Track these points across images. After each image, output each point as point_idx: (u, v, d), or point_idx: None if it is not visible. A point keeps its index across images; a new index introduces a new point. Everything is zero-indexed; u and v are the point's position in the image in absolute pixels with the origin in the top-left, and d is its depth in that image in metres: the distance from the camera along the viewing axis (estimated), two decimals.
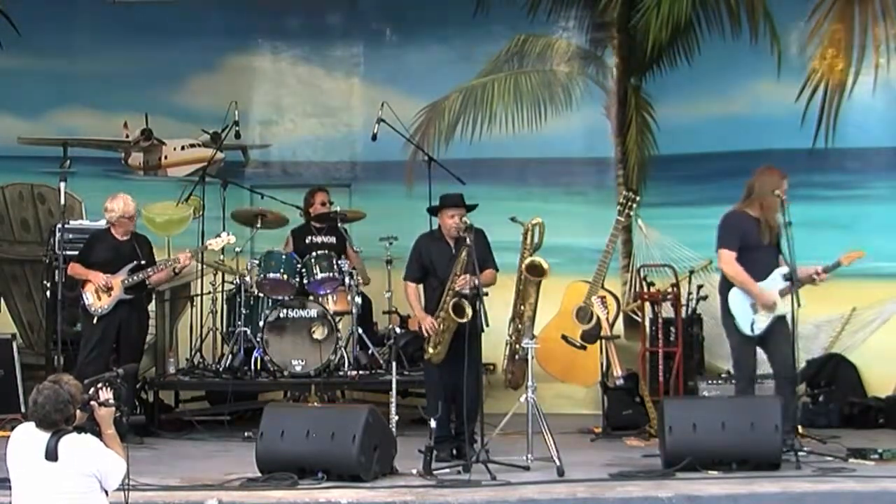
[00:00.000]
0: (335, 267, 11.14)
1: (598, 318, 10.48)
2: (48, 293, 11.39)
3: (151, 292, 10.92)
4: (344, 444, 8.36)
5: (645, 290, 11.30)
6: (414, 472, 8.60)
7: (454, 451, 9.26)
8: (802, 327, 9.95)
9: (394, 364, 9.59)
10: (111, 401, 6.28)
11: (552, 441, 8.91)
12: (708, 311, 11.16)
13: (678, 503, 7.87)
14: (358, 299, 11.24)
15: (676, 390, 10.77)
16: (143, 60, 12.85)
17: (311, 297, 11.15)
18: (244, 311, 11.23)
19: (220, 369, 11.22)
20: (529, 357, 9.36)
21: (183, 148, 13.30)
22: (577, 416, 11.28)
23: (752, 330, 9.16)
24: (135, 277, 10.37)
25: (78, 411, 6.12)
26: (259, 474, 8.43)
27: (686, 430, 8.64)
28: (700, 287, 11.38)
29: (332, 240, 11.59)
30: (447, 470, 8.64)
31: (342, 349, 11.04)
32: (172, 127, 13.21)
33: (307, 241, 11.52)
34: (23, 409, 11.01)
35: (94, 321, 10.36)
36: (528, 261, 10.14)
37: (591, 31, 12.82)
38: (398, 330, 10.76)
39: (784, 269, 9.18)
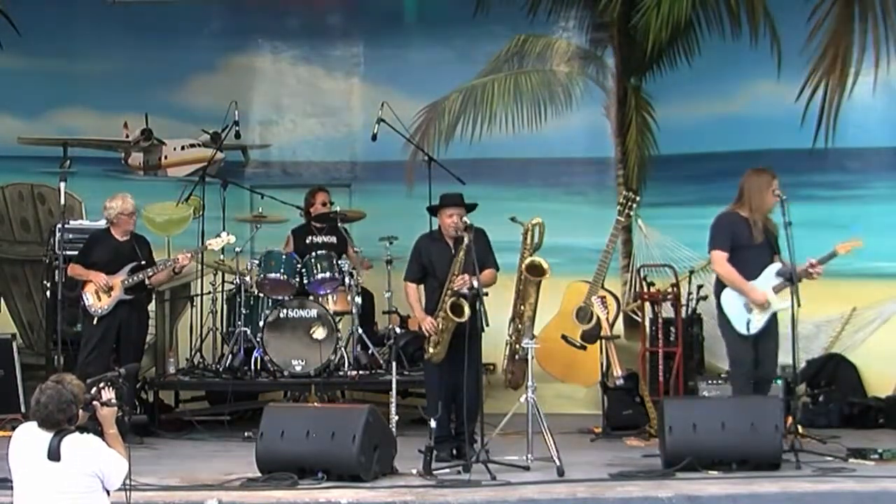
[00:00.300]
0: (335, 267, 11.15)
1: (598, 318, 10.48)
2: (48, 293, 11.39)
3: (151, 292, 10.92)
4: (344, 444, 8.36)
5: (645, 290, 11.29)
6: (414, 472, 8.61)
7: (454, 451, 9.26)
8: (802, 327, 9.97)
9: (394, 364, 9.59)
10: (113, 401, 6.28)
11: (552, 441, 8.91)
12: (708, 311, 11.15)
13: (678, 503, 7.87)
14: (358, 299, 11.24)
15: (676, 390, 10.77)
16: (143, 60, 12.85)
17: (311, 297, 11.15)
18: (244, 311, 11.23)
19: (220, 369, 11.22)
20: (529, 357, 9.36)
21: (183, 148, 13.30)
22: (577, 416, 11.28)
23: (749, 329, 9.20)
24: (135, 278, 10.38)
25: (80, 411, 6.12)
26: (259, 474, 8.44)
27: (686, 430, 8.64)
28: (700, 287, 11.38)
29: (333, 240, 11.59)
30: (447, 470, 8.65)
31: (342, 349, 11.05)
32: (172, 127, 13.21)
33: (307, 241, 11.52)
34: (23, 409, 11.02)
35: (95, 321, 10.36)
36: (528, 261, 10.14)
37: (591, 31, 12.82)
38: (398, 330, 10.77)
39: (777, 266, 9.23)
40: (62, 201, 10.64)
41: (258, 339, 10.97)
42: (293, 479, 8.27)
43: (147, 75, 12.85)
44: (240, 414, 11.47)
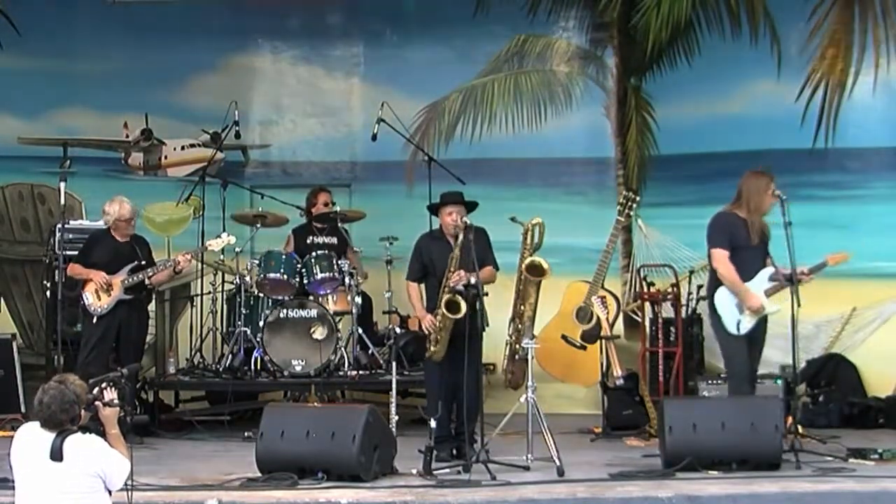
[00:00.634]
0: (335, 267, 11.15)
1: (598, 318, 10.48)
2: (48, 293, 11.39)
3: (151, 292, 10.92)
4: (344, 444, 8.36)
5: (645, 290, 11.29)
6: (414, 472, 8.61)
7: (454, 451, 9.26)
8: (802, 327, 9.97)
9: (394, 364, 9.59)
10: (116, 401, 6.28)
11: (552, 441, 8.91)
12: (708, 311, 11.16)
13: (678, 503, 7.87)
14: (358, 299, 11.24)
15: (676, 390, 10.76)
16: (143, 60, 12.84)
17: (311, 297, 11.15)
18: (244, 311, 11.23)
19: (220, 369, 11.22)
20: (529, 357, 9.37)
21: (183, 148, 13.30)
22: (577, 416, 11.28)
23: (738, 329, 9.24)
24: (134, 278, 10.38)
25: (82, 411, 6.13)
26: (259, 474, 8.44)
27: (686, 430, 8.65)
28: (700, 287, 11.36)
29: (333, 240, 11.59)
30: (447, 470, 8.65)
31: (342, 349, 11.04)
32: (172, 127, 13.21)
33: (308, 241, 11.52)
34: (23, 409, 11.02)
35: (94, 321, 10.36)
36: (528, 261, 10.14)
37: (591, 31, 12.82)
38: (398, 330, 10.77)
39: (770, 270, 9.25)
40: (62, 201, 10.64)
41: (258, 339, 10.97)
42: (293, 479, 8.27)
43: (147, 75, 12.85)
44: (240, 414, 11.46)
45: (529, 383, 9.23)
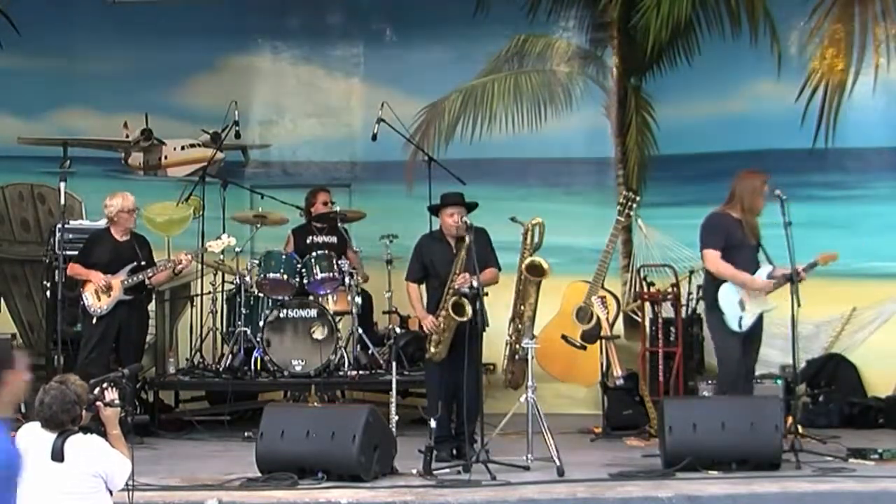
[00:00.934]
0: (335, 267, 11.14)
1: (598, 318, 10.48)
2: (48, 293, 11.38)
3: (151, 292, 10.92)
4: (344, 444, 8.36)
5: (645, 290, 11.29)
6: (414, 472, 8.61)
7: (454, 452, 9.26)
8: (802, 327, 9.98)
9: (394, 364, 9.59)
10: (117, 401, 6.28)
11: (552, 441, 8.91)
12: (705, 310, 11.16)
13: (678, 503, 7.87)
14: (358, 299, 11.23)
15: (676, 390, 10.76)
16: (143, 60, 12.84)
17: (311, 297, 11.15)
18: (244, 311, 11.22)
19: (220, 369, 11.22)
20: (529, 357, 9.37)
21: (183, 148, 13.29)
22: (577, 416, 11.27)
23: (740, 326, 9.29)
24: (134, 278, 10.38)
25: (83, 412, 6.12)
26: (259, 474, 8.44)
27: (686, 430, 8.65)
28: (700, 287, 11.36)
29: (333, 240, 11.59)
30: (447, 470, 8.65)
31: (342, 349, 11.04)
32: (172, 127, 13.21)
33: (308, 240, 11.51)
34: (23, 409, 10.95)
35: (94, 321, 10.36)
36: (528, 261, 10.14)
37: (591, 31, 12.81)
38: (398, 330, 10.76)
39: (769, 268, 9.29)
40: (62, 201, 10.64)
41: (258, 339, 10.97)
42: (293, 479, 8.28)
43: (147, 75, 12.85)
44: (240, 414, 11.46)
45: (529, 383, 9.23)
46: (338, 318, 11.16)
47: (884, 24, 11.76)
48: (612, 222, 10.51)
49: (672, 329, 11.06)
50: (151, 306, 11.03)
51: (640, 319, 11.35)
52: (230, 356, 11.25)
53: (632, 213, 10.51)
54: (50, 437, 6.01)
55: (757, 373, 10.06)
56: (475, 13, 12.75)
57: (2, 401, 5.18)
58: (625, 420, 10.75)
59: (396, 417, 9.34)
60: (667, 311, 11.09)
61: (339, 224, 11.64)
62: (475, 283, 9.05)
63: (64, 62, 12.87)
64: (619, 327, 11.20)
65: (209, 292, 11.69)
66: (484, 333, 9.17)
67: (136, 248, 10.50)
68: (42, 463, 5.99)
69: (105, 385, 6.31)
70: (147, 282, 10.50)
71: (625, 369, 10.66)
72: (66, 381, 6.10)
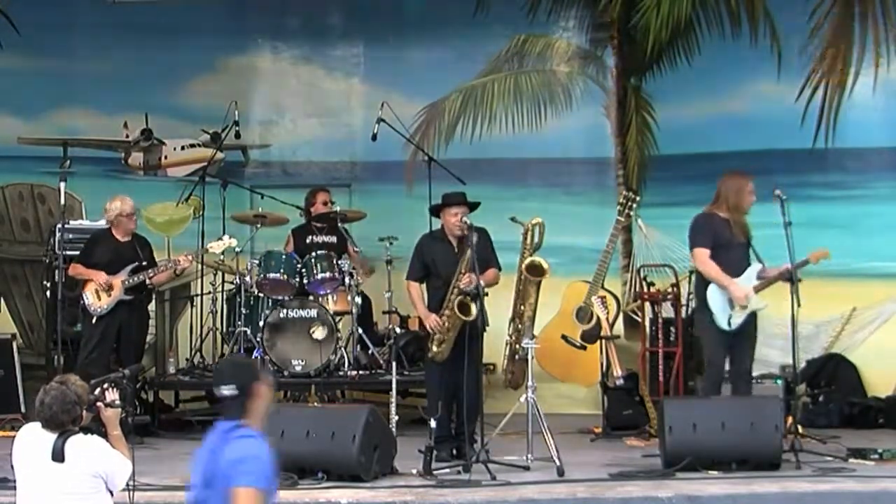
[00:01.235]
0: (335, 267, 11.14)
1: (598, 318, 10.49)
2: (48, 293, 11.38)
3: (152, 293, 10.92)
4: (344, 444, 8.37)
5: (645, 290, 11.29)
6: (414, 472, 8.61)
7: (454, 451, 9.26)
8: (802, 327, 9.99)
9: (394, 364, 9.60)
10: (117, 401, 6.28)
11: (552, 441, 8.91)
12: (695, 309, 11.17)
13: (678, 503, 7.87)
14: (358, 299, 11.23)
15: (676, 390, 10.76)
16: (143, 60, 12.84)
17: (311, 297, 11.15)
18: (244, 311, 11.22)
19: None
20: (529, 357, 9.37)
21: (183, 148, 13.29)
22: (577, 416, 11.27)
23: (730, 325, 9.34)
24: (135, 278, 10.38)
25: (84, 412, 6.12)
26: None
27: (686, 430, 8.65)
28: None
29: (333, 240, 11.58)
30: (447, 470, 8.65)
31: (342, 349, 11.04)
32: (172, 127, 13.21)
33: (308, 240, 11.51)
34: (23, 409, 11.01)
35: (94, 321, 10.37)
36: (528, 261, 10.14)
37: (591, 31, 12.81)
38: (398, 330, 10.76)
39: (757, 267, 9.34)
40: (62, 201, 10.63)
41: (258, 339, 10.97)
42: (293, 479, 8.27)
43: (147, 75, 12.84)
44: None
45: (529, 383, 9.23)
46: (338, 318, 11.16)
47: (884, 24, 11.75)
48: (612, 222, 10.51)
49: (672, 329, 11.06)
50: (151, 306, 11.03)
51: (640, 319, 11.35)
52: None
53: (632, 213, 10.52)
54: (50, 437, 6.01)
55: (757, 373, 10.08)
56: (475, 13, 12.75)
57: (253, 413, 5.25)
58: (625, 420, 10.75)
59: (396, 417, 9.34)
60: (667, 311, 11.09)
61: (339, 224, 11.63)
62: (481, 283, 9.06)
63: (64, 62, 12.87)
64: (619, 327, 11.20)
65: (209, 292, 11.68)
66: (484, 333, 9.17)
67: (137, 248, 10.51)
68: (42, 463, 5.98)
69: (106, 385, 6.31)
70: (148, 282, 10.50)
71: (625, 369, 10.66)
72: (66, 382, 6.10)
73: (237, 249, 11.37)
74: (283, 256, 11.20)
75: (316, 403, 10.58)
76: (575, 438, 10.42)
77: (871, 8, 11.79)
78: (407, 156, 12.81)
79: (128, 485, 6.21)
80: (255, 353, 11.02)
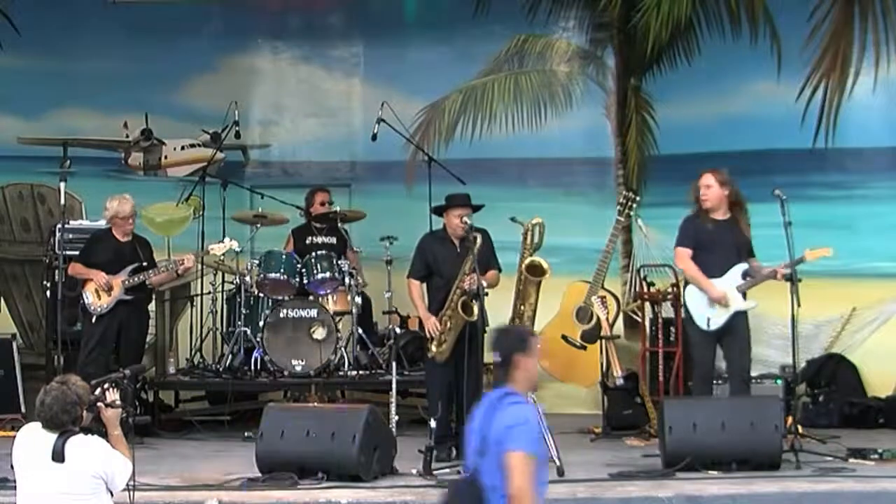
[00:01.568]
0: (335, 267, 11.14)
1: (598, 318, 10.49)
2: (48, 293, 11.38)
3: (152, 293, 10.92)
4: (344, 444, 8.37)
5: (645, 290, 11.29)
6: (414, 472, 8.61)
7: (453, 451, 9.25)
8: (802, 327, 10.00)
9: (394, 364, 9.59)
10: (118, 402, 6.28)
11: (552, 441, 8.90)
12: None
13: (678, 503, 7.87)
14: (358, 299, 11.23)
15: (676, 390, 10.75)
16: (143, 60, 12.84)
17: (311, 297, 11.15)
18: (244, 311, 11.22)
19: (220, 369, 11.22)
20: None
21: (183, 148, 13.30)
22: (577, 416, 11.27)
23: (709, 325, 9.34)
24: (135, 279, 10.38)
25: (84, 412, 6.12)
26: (259, 474, 8.44)
27: (686, 430, 8.65)
28: None
29: (333, 240, 11.58)
30: (447, 470, 8.65)
31: (342, 349, 11.04)
32: (172, 127, 13.21)
33: (307, 241, 11.51)
34: (23, 409, 11.01)
35: (94, 321, 10.36)
36: (528, 261, 10.14)
37: (591, 31, 12.81)
38: (398, 330, 10.76)
39: (743, 266, 9.34)
40: (62, 201, 10.63)
41: (258, 339, 10.97)
42: (293, 479, 8.28)
43: (147, 75, 12.85)
44: (240, 414, 11.46)
45: None
46: (338, 318, 11.16)
47: (884, 24, 11.76)
48: (612, 222, 10.51)
49: (672, 329, 11.05)
50: (151, 306, 11.02)
51: (640, 319, 11.34)
52: (230, 356, 11.25)
53: (632, 213, 10.52)
54: (51, 437, 6.01)
55: (757, 373, 10.08)
56: (475, 13, 12.75)
57: (518, 381, 5.49)
58: (625, 420, 10.75)
59: (396, 417, 9.33)
60: (667, 311, 11.08)
61: (338, 224, 11.63)
62: (483, 284, 9.06)
63: (64, 62, 12.87)
64: (619, 327, 11.20)
65: (209, 292, 11.69)
66: (485, 334, 9.17)
67: (137, 248, 10.51)
68: (43, 463, 5.99)
69: (106, 386, 6.31)
70: (148, 282, 10.50)
71: (625, 369, 10.66)
72: (67, 382, 6.10)
73: (237, 249, 11.36)
74: (283, 256, 11.20)
75: (316, 403, 10.58)
76: (575, 438, 10.42)
77: (871, 8, 11.79)
78: (407, 156, 12.81)
79: (128, 485, 6.21)
80: (255, 353, 11.04)
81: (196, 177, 12.48)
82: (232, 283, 11.54)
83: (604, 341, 10.51)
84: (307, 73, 13.41)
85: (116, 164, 13.27)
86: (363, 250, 11.77)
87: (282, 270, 11.08)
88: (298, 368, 10.92)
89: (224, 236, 11.05)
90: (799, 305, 9.08)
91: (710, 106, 12.19)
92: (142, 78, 12.85)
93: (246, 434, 10.29)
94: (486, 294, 9.20)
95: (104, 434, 6.23)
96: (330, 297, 11.28)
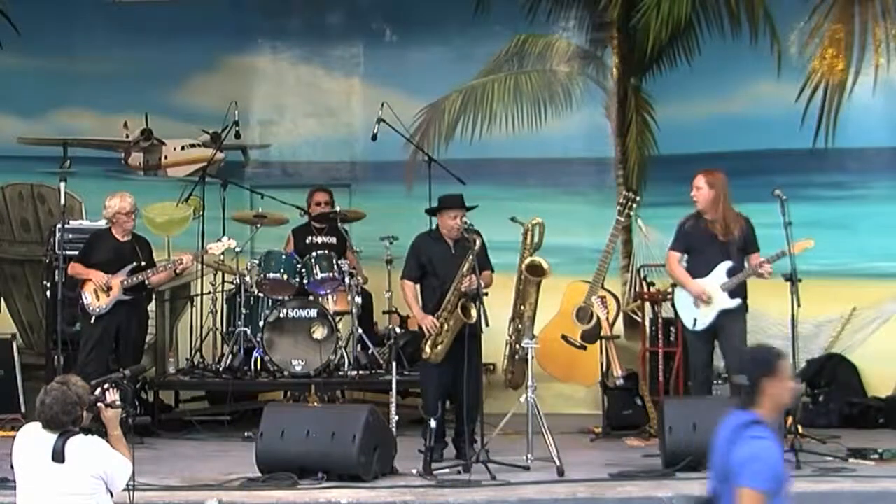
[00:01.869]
0: (335, 267, 11.14)
1: (598, 318, 10.48)
2: (48, 293, 11.38)
3: (151, 293, 10.92)
4: (344, 444, 8.37)
5: (645, 290, 11.30)
6: (414, 472, 8.61)
7: (452, 450, 9.25)
8: (802, 327, 10.00)
9: (394, 364, 9.59)
10: (118, 402, 6.28)
11: (552, 441, 8.91)
12: None
13: (678, 503, 7.87)
14: (358, 299, 11.23)
15: (676, 390, 10.76)
16: (143, 60, 12.84)
17: (311, 297, 11.15)
18: (244, 311, 11.22)
19: (220, 369, 11.22)
20: (529, 357, 9.37)
21: (183, 148, 13.29)
22: (577, 416, 11.27)
23: (695, 325, 9.44)
24: (134, 278, 10.37)
25: (84, 412, 6.12)
26: (259, 474, 8.44)
27: (686, 430, 8.65)
28: None
29: (333, 240, 11.59)
30: (447, 470, 8.65)
31: (342, 349, 11.04)
32: (172, 127, 13.21)
33: (307, 241, 11.52)
34: (23, 409, 11.02)
35: (92, 321, 10.35)
36: (528, 261, 10.14)
37: (591, 31, 12.81)
38: (398, 330, 10.75)
39: (728, 264, 9.37)
40: (62, 201, 10.64)
41: (258, 339, 10.97)
42: (293, 479, 8.28)
43: (147, 75, 12.85)
44: (240, 414, 11.46)
45: (529, 383, 9.24)
46: (338, 318, 11.16)
47: (884, 24, 11.76)
48: (612, 222, 10.51)
49: (672, 329, 11.06)
50: (151, 306, 11.03)
51: (640, 319, 11.36)
52: (230, 356, 11.25)
53: (632, 213, 10.51)
54: (51, 437, 6.02)
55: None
56: (475, 13, 12.74)
57: (764, 407, 5.34)
58: (625, 420, 10.75)
59: (396, 417, 9.34)
60: (667, 311, 11.08)
61: (338, 224, 11.63)
62: (481, 284, 9.07)
63: (64, 62, 12.87)
64: (619, 327, 11.20)
65: (209, 292, 11.68)
66: (483, 333, 9.17)
67: (136, 248, 10.50)
68: (42, 463, 5.99)
69: (106, 386, 6.31)
70: (147, 282, 10.49)
71: (625, 369, 10.66)
72: (67, 382, 6.10)
73: (237, 249, 11.37)
74: (283, 256, 11.20)
75: (316, 403, 10.58)
76: (575, 438, 10.43)
77: (871, 8, 11.79)
78: (407, 156, 12.81)
79: (128, 485, 6.21)
80: (255, 353, 11.04)
81: (196, 177, 12.48)
82: (232, 283, 11.54)
83: (604, 341, 10.51)
84: (307, 73, 13.41)
85: (116, 164, 13.27)
86: (363, 250, 11.76)
87: (282, 270, 11.08)
88: (298, 368, 10.92)
89: (224, 236, 11.04)
90: (799, 305, 9.09)
91: (710, 106, 12.19)
92: (142, 78, 12.85)
93: (246, 434, 10.30)
94: (486, 294, 9.20)
95: (104, 434, 6.23)
96: (330, 297, 11.28)
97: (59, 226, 10.92)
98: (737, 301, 9.36)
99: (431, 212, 9.69)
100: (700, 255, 9.51)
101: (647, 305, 11.23)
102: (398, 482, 8.44)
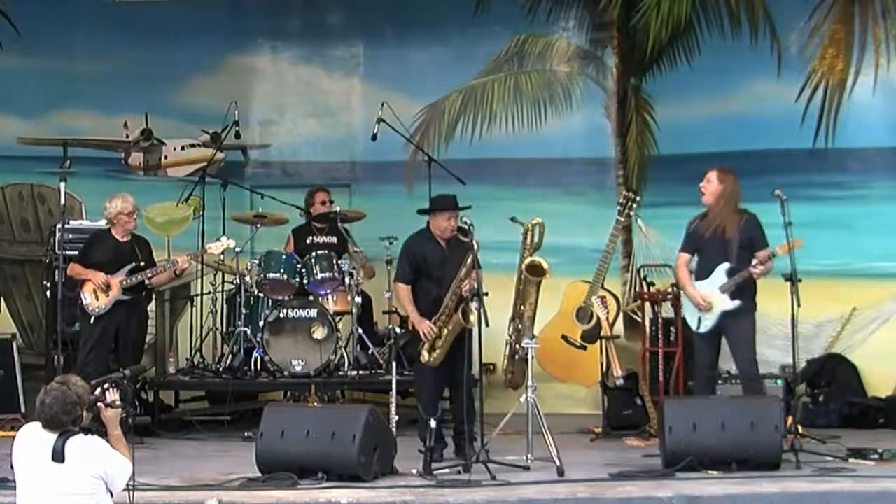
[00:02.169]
0: (335, 267, 11.14)
1: (598, 318, 10.49)
2: (48, 293, 11.38)
3: (151, 293, 10.92)
4: (344, 444, 8.37)
5: (645, 290, 11.29)
6: (414, 472, 8.61)
7: (451, 446, 9.25)
8: (802, 327, 10.00)
9: (394, 364, 9.59)
10: (118, 402, 6.28)
11: (552, 441, 8.91)
12: None
13: (678, 503, 7.87)
14: (358, 299, 11.24)
15: (676, 390, 10.76)
16: (143, 60, 12.84)
17: (311, 297, 11.15)
18: (244, 311, 11.22)
19: (220, 369, 11.22)
20: (529, 357, 9.37)
21: (183, 148, 13.30)
22: (577, 416, 11.28)
23: (699, 327, 9.46)
24: (134, 278, 10.37)
25: (84, 412, 6.12)
26: (259, 474, 8.44)
27: (686, 430, 8.65)
28: None
29: (333, 240, 11.59)
30: (447, 470, 8.65)
31: (342, 349, 11.04)
32: (172, 127, 13.21)
33: (307, 241, 11.52)
34: (23, 409, 11.02)
35: (92, 321, 10.35)
36: (528, 261, 10.14)
37: (591, 31, 12.82)
38: (398, 330, 10.75)
39: (726, 266, 9.37)
40: (62, 201, 10.63)
41: (258, 339, 10.97)
42: (293, 479, 8.27)
43: (147, 75, 12.85)
44: (240, 414, 11.46)
45: (529, 383, 9.23)
46: (338, 318, 11.16)
47: (884, 24, 11.76)
48: (612, 222, 10.50)
49: (672, 329, 11.06)
50: (151, 306, 11.03)
51: (640, 319, 11.35)
52: (230, 356, 11.26)
53: (632, 213, 10.51)
54: (51, 437, 6.02)
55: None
56: (475, 13, 12.76)
57: None
58: (625, 420, 10.75)
59: (396, 417, 9.34)
60: (667, 311, 11.09)
61: (339, 224, 11.63)
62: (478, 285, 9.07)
63: (64, 62, 12.88)
64: (619, 327, 11.20)
65: (209, 292, 11.69)
66: (483, 333, 9.16)
67: (136, 248, 10.49)
68: (42, 463, 5.99)
69: (106, 386, 6.31)
70: (147, 282, 10.49)
71: (625, 369, 10.66)
72: (67, 382, 6.10)
73: (237, 249, 11.37)
74: (283, 256, 11.21)
75: (316, 403, 10.58)
76: (575, 438, 10.43)
77: (871, 8, 11.80)
78: (407, 156, 12.81)
79: (128, 485, 6.21)
80: (255, 353, 11.04)
81: (196, 177, 12.49)
82: (232, 283, 11.54)
83: (604, 341, 10.51)
84: (307, 73, 13.41)
85: (116, 164, 13.27)
86: (362, 250, 11.75)
87: (282, 270, 11.08)
88: (298, 368, 10.92)
89: (223, 236, 11.04)
90: (799, 305, 9.09)
91: (710, 106, 12.19)
92: (142, 78, 12.86)
93: (246, 434, 10.30)
94: (486, 294, 9.19)
95: (104, 434, 6.23)
96: (330, 297, 11.28)
97: (59, 226, 10.92)
98: (737, 303, 9.35)
99: (424, 213, 9.68)
100: (703, 254, 9.55)
101: (647, 305, 11.22)
102: (398, 482, 8.44)
